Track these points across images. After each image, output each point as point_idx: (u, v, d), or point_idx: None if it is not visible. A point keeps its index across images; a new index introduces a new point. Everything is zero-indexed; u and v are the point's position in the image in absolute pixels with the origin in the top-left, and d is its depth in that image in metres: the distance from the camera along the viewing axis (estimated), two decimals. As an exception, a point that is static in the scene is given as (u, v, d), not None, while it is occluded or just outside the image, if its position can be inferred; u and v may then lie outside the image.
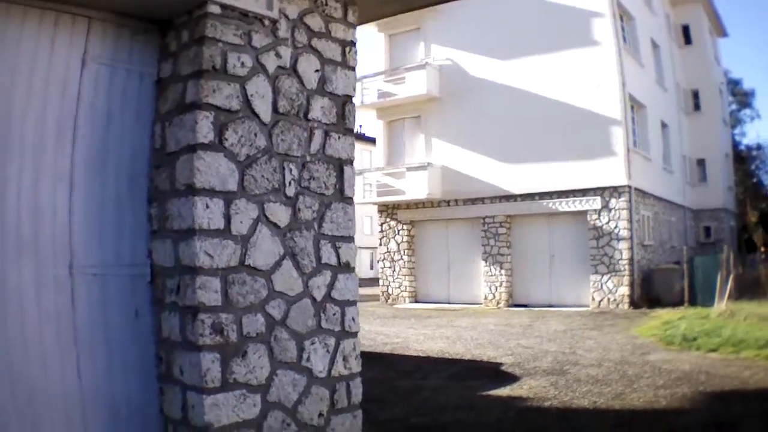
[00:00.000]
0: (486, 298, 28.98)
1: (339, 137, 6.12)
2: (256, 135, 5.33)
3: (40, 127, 4.80)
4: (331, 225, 5.98)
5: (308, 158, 5.81)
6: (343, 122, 6.19)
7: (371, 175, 32.18)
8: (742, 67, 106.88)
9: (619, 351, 15.31)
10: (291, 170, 5.64)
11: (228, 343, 5.01)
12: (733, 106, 59.17)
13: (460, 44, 30.20)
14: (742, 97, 60.41)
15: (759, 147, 57.66)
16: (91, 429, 4.92)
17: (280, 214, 5.53)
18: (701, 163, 40.94)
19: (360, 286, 20.19)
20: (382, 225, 32.71)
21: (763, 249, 26.18)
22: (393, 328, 20.62)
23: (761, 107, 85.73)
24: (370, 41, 33.87)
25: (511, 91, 28.48)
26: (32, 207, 4.73)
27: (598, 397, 10.52)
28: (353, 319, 6.18)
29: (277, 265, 5.48)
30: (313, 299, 5.76)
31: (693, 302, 24.74)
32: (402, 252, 31.86)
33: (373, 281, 40.73)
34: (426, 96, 30.46)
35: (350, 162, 6.22)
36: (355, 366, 6.19)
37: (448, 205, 30.49)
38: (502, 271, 28.69)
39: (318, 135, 5.91)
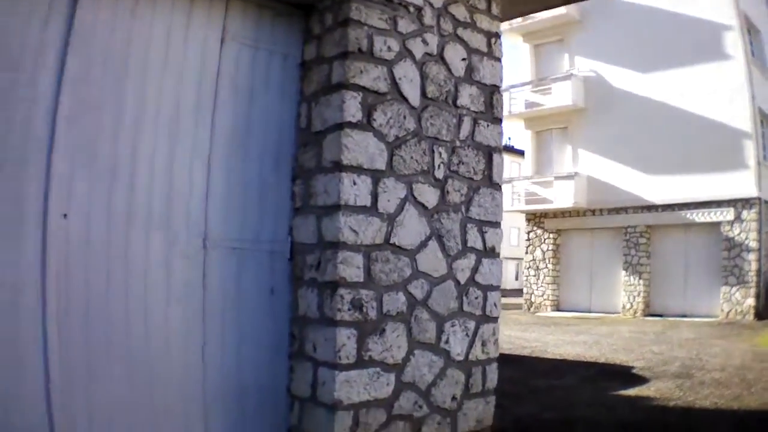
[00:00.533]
0: (624, 307, 28.59)
1: (488, 125, 5.94)
2: (405, 117, 5.19)
3: (177, 102, 4.76)
4: (478, 209, 5.81)
5: (458, 143, 5.65)
6: (491, 111, 6.02)
7: (520, 184, 32.16)
8: None
9: (741, 358, 15.14)
10: (440, 154, 5.50)
11: (366, 320, 4.89)
12: None
13: (602, 56, 29.97)
14: None
15: None
16: (213, 409, 4.90)
17: (429, 195, 5.39)
18: None
19: (504, 296, 20.17)
20: (528, 233, 32.81)
21: None
22: (533, 333, 20.49)
23: None
24: (516, 51, 33.75)
25: (650, 103, 28.14)
26: (166, 183, 4.67)
27: (718, 399, 10.52)
28: (495, 304, 6.00)
29: (423, 245, 5.33)
30: (457, 282, 5.58)
31: None
32: (547, 260, 31.74)
33: (518, 292, 40.78)
34: (572, 107, 30.39)
35: (499, 150, 6.05)
36: (493, 351, 6.00)
37: (593, 215, 30.32)
38: (641, 281, 28.26)
39: (467, 122, 5.74)
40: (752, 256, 25.42)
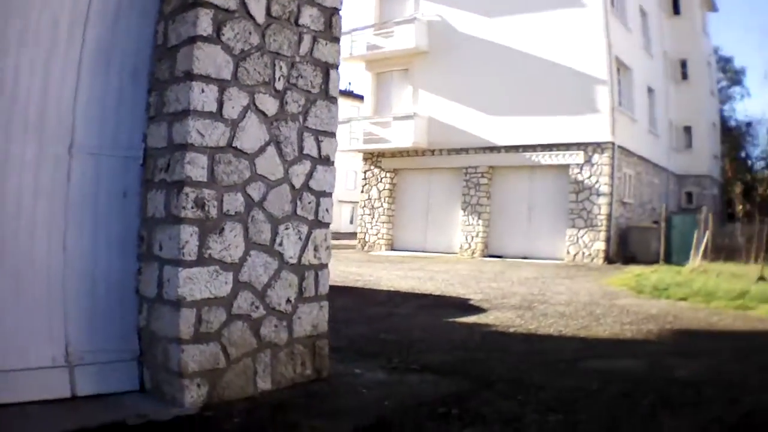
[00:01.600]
0: (461, 247, 29.98)
1: (326, 43, 6.67)
2: (250, 33, 5.85)
3: (55, 19, 5.36)
4: (315, 120, 6.52)
5: (297, 59, 6.36)
6: (330, 31, 6.75)
7: (358, 125, 33.05)
8: (733, 45, 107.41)
9: (588, 295, 16.03)
10: (281, 67, 6.18)
11: (208, 218, 5.48)
12: (723, 83, 60.32)
13: (451, 1, 31.33)
14: (732, 75, 61.73)
15: (749, 124, 58.88)
16: (70, 302, 5.42)
17: (269, 104, 6.06)
18: (687, 130, 42.32)
19: (338, 239, 20.96)
20: (365, 173, 33.78)
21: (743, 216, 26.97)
22: (366, 269, 21.33)
23: (751, 86, 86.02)
24: None
25: (498, 48, 29.50)
26: (42, 90, 5.26)
27: (564, 327, 11.24)
28: (327, 210, 6.71)
29: (262, 150, 6.01)
30: (292, 186, 6.29)
31: (668, 261, 25.90)
32: (383, 199, 32.96)
33: (352, 235, 41.52)
34: (414, 50, 31.56)
35: (336, 67, 6.79)
36: (325, 257, 6.66)
37: (432, 155, 31.51)
38: (480, 222, 29.72)
39: (307, 39, 6.46)
40: (603, 200, 27.13)
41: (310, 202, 6.53)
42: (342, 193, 69.79)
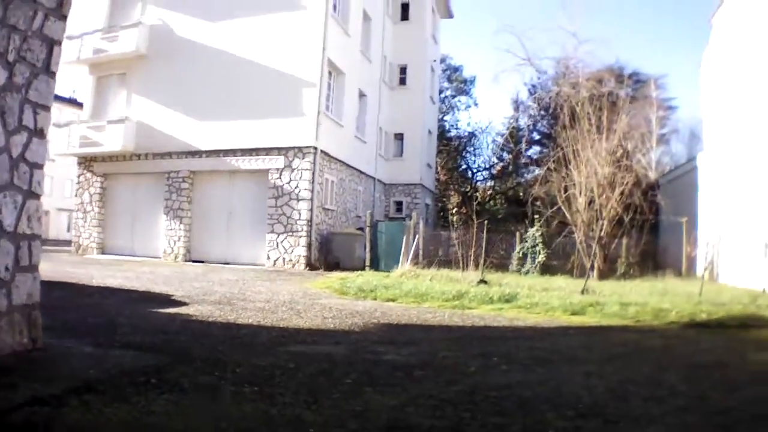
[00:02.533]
0: (165, 252, 31.37)
1: (55, 21, 7.33)
2: None
3: None
4: (35, 93, 7.09)
5: (29, 33, 6.97)
6: (61, 9, 7.38)
7: (76, 128, 33.67)
8: (467, 55, 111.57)
9: (289, 295, 17.11)
10: (15, 40, 6.77)
11: None
12: (449, 92, 63.32)
13: (174, 5, 32.46)
14: (460, 84, 64.05)
15: (472, 134, 61.44)
16: None
17: (0, 75, 6.65)
18: (400, 137, 44.29)
19: (56, 245, 21.12)
20: (79, 177, 34.58)
21: (456, 225, 28.49)
22: (79, 269, 22.35)
23: (479, 96, 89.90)
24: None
25: (213, 52, 30.98)
26: None
27: (263, 319, 12.20)
28: (39, 182, 7.25)
29: (-11, 118, 6.69)
30: (10, 156, 6.81)
31: (375, 267, 27.67)
32: (94, 204, 33.87)
33: (69, 243, 41.05)
34: (134, 53, 32.60)
35: (59, 43, 7.45)
36: (37, 228, 7.26)
37: (139, 159, 32.72)
38: (182, 226, 31.15)
39: (40, 15, 7.08)
40: (303, 206, 28.80)
41: (25, 173, 7.05)
42: (60, 200, 68.52)
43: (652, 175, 46.84)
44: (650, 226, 30.41)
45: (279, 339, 10.15)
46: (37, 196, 7.25)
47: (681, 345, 11.21)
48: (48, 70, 7.25)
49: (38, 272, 7.35)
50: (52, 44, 7.26)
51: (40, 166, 7.27)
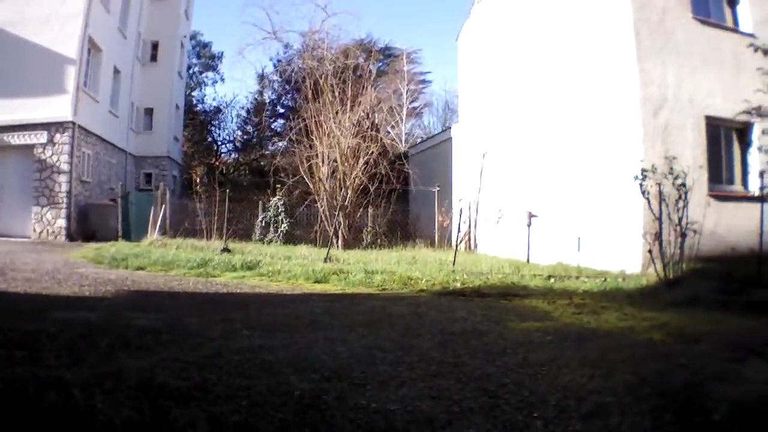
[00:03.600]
0: None
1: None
2: None
3: None
4: None
5: None
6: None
7: None
8: (214, 30, 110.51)
9: (52, 265, 17.68)
10: None
11: None
12: (197, 68, 64.19)
13: None
14: (208, 60, 65.05)
15: (218, 108, 61.87)
16: None
17: None
18: (150, 111, 44.76)
19: None
20: None
21: (199, 196, 29.46)
22: None
23: (225, 71, 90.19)
24: None
25: None
26: None
27: (29, 288, 12.72)
28: None
29: None
30: None
31: (127, 237, 28.02)
32: None
33: None
34: None
35: None
36: None
37: None
38: None
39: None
40: (63, 178, 29.59)
41: None
42: None
43: (403, 146, 49.01)
44: (398, 195, 31.76)
45: (41, 306, 10.55)
46: None
47: (433, 312, 11.27)
48: None
49: None
50: None
51: None
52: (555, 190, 21.68)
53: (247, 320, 9.82)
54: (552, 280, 15.73)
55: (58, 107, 29.37)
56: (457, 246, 21.38)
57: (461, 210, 25.82)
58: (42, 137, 29.55)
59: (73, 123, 29.59)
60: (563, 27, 21.99)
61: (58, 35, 29.63)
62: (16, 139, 29.84)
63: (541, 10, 23.56)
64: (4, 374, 5.92)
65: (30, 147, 29.83)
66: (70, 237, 29.36)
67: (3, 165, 30.51)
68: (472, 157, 28.81)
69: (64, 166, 29.52)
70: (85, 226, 30.60)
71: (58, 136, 29.55)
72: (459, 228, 23.56)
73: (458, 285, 14.76)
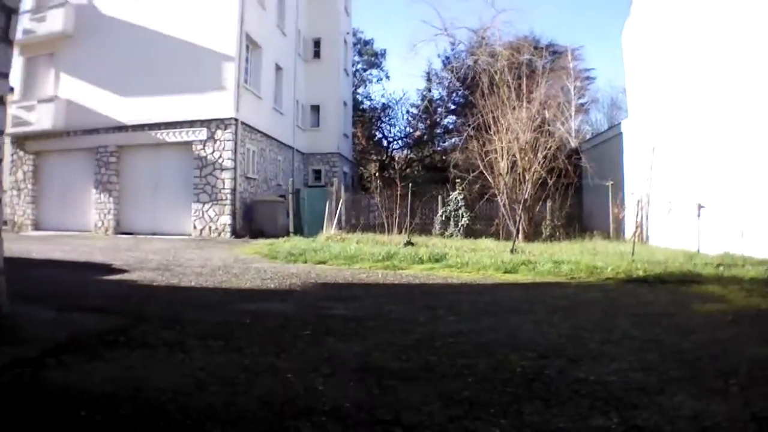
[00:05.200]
0: (96, 225, 31.54)
1: (11, -10, 7.55)
2: None
3: None
4: None
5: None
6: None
7: (7, 108, 32.31)
8: (375, 27, 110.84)
9: (221, 261, 17.39)
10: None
11: None
12: (360, 66, 63.38)
13: None
14: (371, 57, 64.26)
15: (386, 106, 61.59)
16: None
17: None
18: (316, 108, 44.95)
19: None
20: (12, 156, 34.29)
21: (378, 191, 28.67)
22: (18, 245, 21.84)
23: (390, 68, 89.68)
24: None
25: (137, 29, 30.87)
26: None
27: (204, 282, 12.54)
28: (0, 147, 7.50)
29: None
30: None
31: (299, 233, 27.58)
32: (27, 181, 33.78)
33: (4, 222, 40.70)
34: (61, 33, 32.40)
35: (17, 12, 7.54)
36: None
37: (69, 136, 32.62)
38: (111, 199, 31.34)
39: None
40: (227, 175, 29.27)
41: None
42: (-6, 181, 67.29)
43: (573, 142, 47.82)
44: (575, 189, 30.97)
45: (226, 298, 10.46)
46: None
47: (623, 297, 11.34)
48: (6, 38, 7.34)
49: (1, 238, 7.59)
50: (9, 12, 7.32)
51: (1, 132, 7.51)
52: (720, 181, 20.76)
53: (448, 307, 9.71)
54: (721, 268, 15.30)
55: (218, 104, 29.22)
56: (634, 238, 21.27)
57: (638, 202, 25.34)
58: (201, 134, 29.46)
59: (236, 119, 29.29)
60: (736, 17, 20.22)
61: (213, 33, 29.60)
62: (172, 136, 30.02)
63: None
64: (204, 363, 5.92)
65: (187, 144, 29.92)
66: (236, 234, 29.08)
67: (157, 162, 30.90)
68: (642, 152, 27.73)
69: (228, 163, 29.26)
70: (252, 223, 30.13)
71: (219, 132, 29.26)
72: (633, 221, 23.97)
73: (640, 273, 14.46)
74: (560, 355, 6.53)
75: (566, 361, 6.30)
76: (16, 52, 32.84)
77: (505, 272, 15.12)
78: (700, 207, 21.73)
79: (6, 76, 7.48)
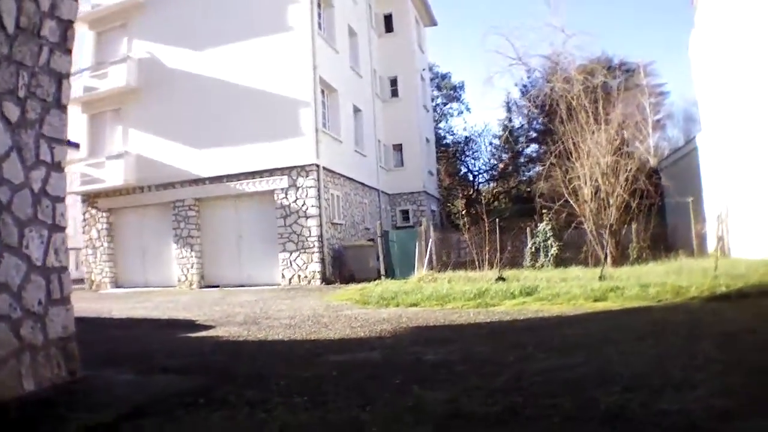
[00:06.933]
0: (179, 280, 31.42)
1: (61, 55, 7.57)
2: (1, 44, 6.59)
3: None
4: (49, 127, 7.30)
5: (37, 69, 7.13)
6: (65, 43, 7.60)
7: (76, 167, 33.54)
8: (452, 61, 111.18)
9: (312, 310, 17.29)
10: (23, 76, 6.92)
11: None
12: (440, 100, 63.17)
13: (161, 38, 32.62)
14: (449, 92, 63.97)
15: (468, 139, 61.38)
16: None
17: (12, 112, 6.77)
18: (398, 147, 44.58)
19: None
20: (84, 214, 34.73)
21: (466, 228, 28.27)
22: (98, 304, 22.29)
23: (469, 100, 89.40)
24: (81, 40, 34.79)
25: (205, 80, 31.06)
26: None
27: (293, 335, 12.48)
28: (62, 214, 7.42)
29: (7, 155, 6.65)
30: (32, 191, 6.96)
31: (391, 275, 26.99)
32: (102, 239, 33.88)
33: (79, 281, 41.15)
34: (125, 88, 32.72)
35: (68, 77, 7.63)
36: (65, 260, 7.43)
37: (142, 191, 32.86)
38: (193, 253, 31.25)
39: (45, 50, 7.27)
40: (312, 222, 28.79)
41: (47, 206, 7.22)
42: (68, 240, 68.45)
43: (652, 161, 47.08)
44: (657, 209, 30.34)
45: (314, 351, 10.31)
46: (62, 229, 7.37)
47: (706, 317, 11.33)
48: (59, 104, 7.34)
49: (71, 304, 7.41)
50: (60, 78, 7.35)
51: (62, 199, 7.37)
52: None
53: (538, 343, 9.79)
54: None
55: (297, 150, 28.94)
56: (717, 252, 21.63)
57: (718, 216, 26.21)
58: (282, 182, 29.15)
59: (317, 165, 28.92)
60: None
61: (286, 79, 29.44)
62: (252, 186, 29.84)
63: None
64: (287, 422, 5.89)
65: (268, 193, 29.65)
66: (326, 281, 28.65)
67: (238, 213, 30.81)
68: (718, 164, 27.79)
69: (312, 210, 28.86)
70: (341, 269, 29.72)
71: (300, 179, 28.87)
72: (715, 235, 25.00)
73: (723, 289, 14.77)
74: (643, 387, 6.50)
75: (649, 392, 6.29)
76: (78, 109, 33.46)
77: (595, 300, 15.34)
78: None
79: (63, 142, 7.52)
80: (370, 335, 11.87)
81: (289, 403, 6.48)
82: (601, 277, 18.63)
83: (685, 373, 6.88)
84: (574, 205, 28.23)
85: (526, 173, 55.93)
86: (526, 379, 7.13)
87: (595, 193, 28.20)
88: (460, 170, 61.24)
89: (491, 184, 61.11)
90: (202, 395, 6.91)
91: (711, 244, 25.47)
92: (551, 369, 7.66)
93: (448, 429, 5.47)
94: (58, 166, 7.28)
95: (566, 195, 28.27)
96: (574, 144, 28.76)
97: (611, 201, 27.55)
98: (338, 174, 31.99)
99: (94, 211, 34.04)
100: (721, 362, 7.37)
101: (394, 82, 44.78)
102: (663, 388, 6.35)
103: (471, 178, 61.07)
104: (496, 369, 7.83)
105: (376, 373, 7.98)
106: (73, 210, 41.02)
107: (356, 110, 36.84)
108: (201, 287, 30.45)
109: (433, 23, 52.47)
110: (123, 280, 33.31)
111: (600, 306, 14.55)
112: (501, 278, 20.37)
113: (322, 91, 31.11)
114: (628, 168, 27.71)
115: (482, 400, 6.30)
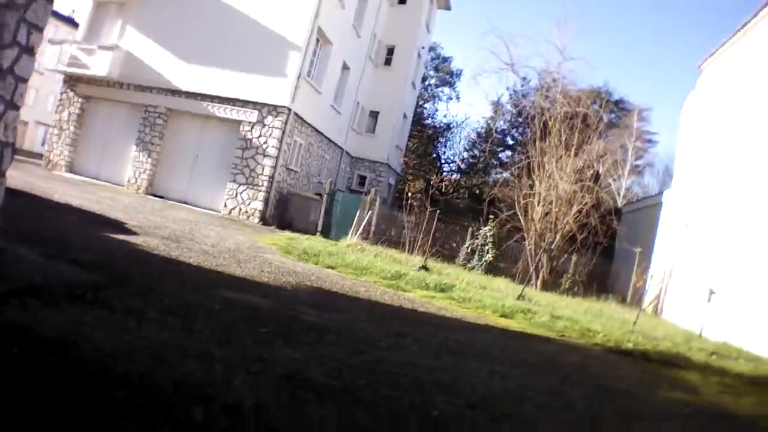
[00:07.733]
0: (129, 181, 31.88)
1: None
2: None
3: None
4: (32, 14, 7.30)
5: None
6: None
7: (68, 47, 34.05)
8: (456, 48, 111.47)
9: (236, 245, 17.55)
10: (16, -36, 7.10)
11: None
12: (434, 81, 63.70)
13: None
14: (446, 75, 64.26)
15: (447, 127, 61.62)
16: None
17: (2, -8, 6.94)
18: (375, 114, 45.01)
19: (29, 157, 21.74)
20: (62, 95, 35.01)
21: (411, 209, 28.73)
22: (46, 184, 22.79)
23: (462, 90, 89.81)
24: None
25: None
26: None
27: (203, 262, 12.75)
28: (21, 95, 7.35)
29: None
30: (0, 66, 7.26)
31: (326, 234, 28.01)
32: (71, 123, 34.18)
33: (38, 156, 41.65)
34: None
35: None
36: (11, 137, 7.62)
37: (121, 88, 33.18)
38: (149, 159, 31.67)
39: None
40: (268, 162, 29.38)
41: (11, 84, 7.20)
42: (41, 115, 68.95)
43: (619, 201, 47.88)
44: (603, 249, 30.86)
45: (213, 282, 10.79)
46: (17, 108, 7.72)
47: (597, 366, 11.35)
48: None
49: (5, 178, 7.89)
50: None
51: (25, 80, 7.66)
52: (737, 270, 20.94)
53: (419, 338, 9.93)
54: (714, 356, 15.42)
55: (275, 90, 29.31)
56: (642, 309, 22.16)
57: (651, 276, 26.32)
58: (251, 116, 29.58)
59: (289, 109, 29.32)
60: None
61: (286, 20, 29.75)
62: (222, 111, 30.22)
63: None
64: (148, 335, 6.30)
65: (235, 123, 30.10)
66: (264, 221, 29.12)
67: (202, 134, 31.23)
68: (675, 225, 28.27)
69: (271, 150, 29.36)
70: (283, 214, 30.30)
71: (269, 118, 29.36)
72: (652, 292, 25.32)
73: (630, 345, 14.44)
74: (488, 410, 6.69)
75: (489, 417, 6.47)
76: (87, -3, 33.70)
77: (501, 316, 15.32)
78: (711, 292, 21.84)
79: (41, 29, 7.59)
80: (272, 282, 12.18)
81: (161, 321, 6.95)
82: (520, 297, 18.98)
83: (536, 411, 7.04)
84: (521, 219, 28.98)
85: (493, 176, 56.08)
86: (382, 366, 7.36)
87: (545, 215, 28.87)
88: (431, 154, 61.50)
89: (456, 176, 61.30)
90: (91, 291, 7.43)
91: (647, 299, 25.93)
92: (413, 364, 7.85)
93: (279, 388, 5.72)
94: (30, 51, 7.35)
95: (517, 208, 29.02)
96: (539, 163, 29.37)
97: (558, 227, 28.24)
98: (308, 123, 32.41)
99: (71, 94, 34.35)
100: (577, 413, 7.39)
101: (390, 51, 45.02)
102: (506, 418, 6.55)
103: (438, 165, 61.33)
104: (362, 348, 8.16)
105: (253, 317, 8.39)
106: (54, 88, 41.24)
107: (345, 67, 37.14)
108: (147, 193, 30.82)
109: (447, 7, 52.40)
110: (78, 166, 33.71)
111: (503, 323, 14.57)
112: (425, 267, 20.86)
113: (317, 40, 31.48)
114: (584, 201, 28.29)
115: (329, 372, 6.57)
